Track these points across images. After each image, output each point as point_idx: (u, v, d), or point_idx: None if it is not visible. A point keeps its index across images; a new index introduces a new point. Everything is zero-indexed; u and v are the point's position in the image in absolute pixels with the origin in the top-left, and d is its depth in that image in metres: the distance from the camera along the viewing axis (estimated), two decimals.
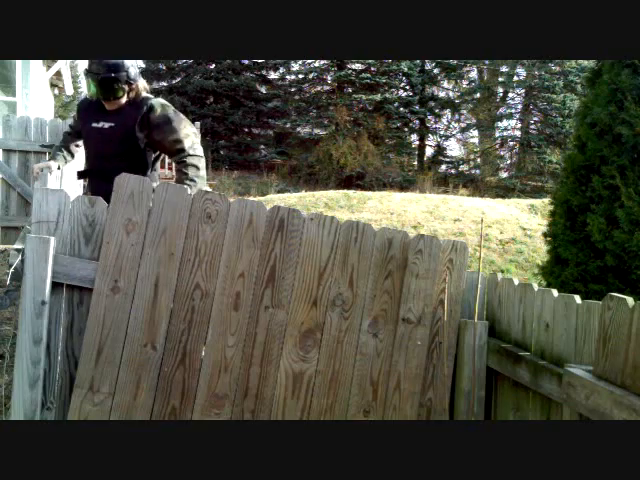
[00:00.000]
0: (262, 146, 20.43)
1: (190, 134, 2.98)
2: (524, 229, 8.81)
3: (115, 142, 2.96)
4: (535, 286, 2.21)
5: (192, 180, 2.92)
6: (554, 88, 16.60)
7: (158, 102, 2.97)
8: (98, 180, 3.04)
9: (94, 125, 3.01)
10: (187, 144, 2.95)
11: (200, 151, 3.02)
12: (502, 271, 7.42)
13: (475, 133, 21.41)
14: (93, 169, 3.12)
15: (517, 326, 2.28)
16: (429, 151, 21.06)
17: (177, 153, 2.97)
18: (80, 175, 3.30)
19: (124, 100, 2.96)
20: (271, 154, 19.41)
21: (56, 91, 12.21)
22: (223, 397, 2.29)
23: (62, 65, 10.04)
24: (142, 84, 3.01)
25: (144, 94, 3.01)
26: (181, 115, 3.02)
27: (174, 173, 10.12)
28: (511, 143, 19.29)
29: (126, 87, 2.92)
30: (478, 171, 19.10)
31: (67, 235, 2.27)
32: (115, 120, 2.96)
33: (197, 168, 2.96)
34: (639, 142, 3.39)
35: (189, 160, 2.95)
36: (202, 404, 2.28)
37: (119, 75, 2.87)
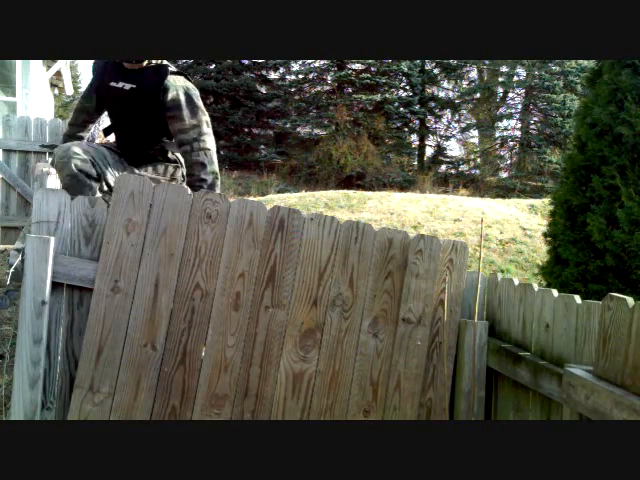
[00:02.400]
0: (262, 146, 20.41)
1: (199, 124, 2.89)
2: (524, 229, 8.80)
3: (136, 104, 2.88)
4: (535, 286, 2.21)
5: (201, 180, 2.87)
6: (554, 88, 16.59)
7: (173, 85, 2.88)
8: (124, 140, 2.97)
9: (112, 84, 2.91)
10: (192, 135, 2.86)
11: (208, 143, 2.92)
12: (502, 271, 7.41)
13: (475, 133, 21.40)
14: (117, 128, 3.04)
15: (517, 326, 2.28)
16: (429, 151, 21.06)
17: (180, 145, 2.92)
18: (107, 132, 3.20)
19: (146, 62, 2.87)
20: (271, 154, 19.40)
21: (56, 91, 12.21)
22: (223, 397, 2.29)
23: (62, 65, 10.04)
24: None
25: (167, 64, 2.93)
26: (195, 101, 2.92)
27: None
28: (511, 143, 19.28)
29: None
30: (478, 171, 19.09)
31: (67, 235, 2.27)
32: (136, 82, 2.87)
33: (203, 165, 2.87)
34: (639, 142, 3.39)
35: (194, 157, 2.88)
36: (202, 404, 2.28)
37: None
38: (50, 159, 3.42)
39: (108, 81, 2.92)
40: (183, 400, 2.28)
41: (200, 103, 2.94)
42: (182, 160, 3.12)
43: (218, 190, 2.89)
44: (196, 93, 2.94)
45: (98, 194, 2.77)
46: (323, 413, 2.35)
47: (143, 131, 2.94)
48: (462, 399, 2.36)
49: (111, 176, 2.75)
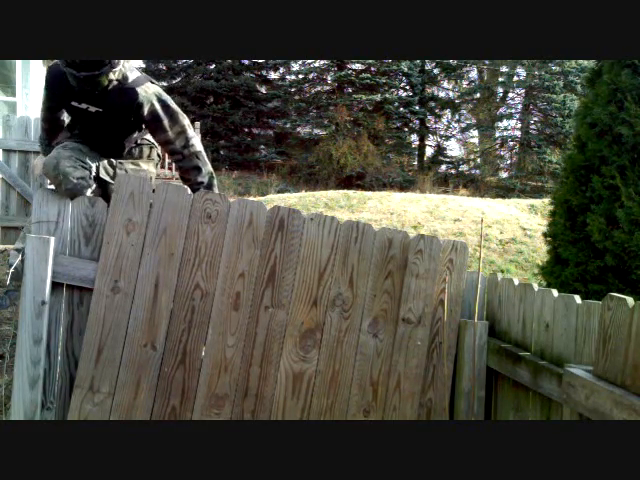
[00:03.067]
0: (262, 146, 20.41)
1: (183, 129, 2.85)
2: (524, 229, 8.80)
3: (104, 124, 2.77)
4: (535, 286, 2.21)
5: (199, 184, 2.85)
6: (554, 88, 16.59)
7: (146, 98, 2.76)
8: (91, 141, 2.86)
9: (74, 104, 2.73)
10: (180, 143, 2.83)
11: (197, 146, 2.89)
12: (502, 271, 7.41)
13: (475, 133, 21.39)
14: (83, 133, 2.90)
15: (517, 326, 2.28)
16: (429, 151, 21.06)
17: (171, 154, 2.89)
18: (69, 128, 3.02)
19: (106, 84, 2.67)
20: (271, 154, 19.40)
21: None
22: (223, 397, 2.29)
23: None
24: (123, 62, 2.72)
25: (130, 77, 2.74)
26: (171, 107, 2.83)
27: (174, 173, 9.92)
28: (511, 143, 19.28)
29: (111, 74, 2.62)
30: (478, 171, 19.10)
31: (67, 235, 2.27)
32: (101, 104, 2.72)
33: (198, 169, 2.87)
34: (639, 142, 3.39)
35: (187, 164, 2.87)
36: (202, 404, 2.28)
37: (102, 70, 2.56)
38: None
39: (69, 99, 2.75)
40: (183, 400, 2.28)
41: (175, 106, 2.85)
42: (153, 140, 3.05)
43: (216, 189, 2.88)
44: (167, 96, 2.87)
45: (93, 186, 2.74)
46: (323, 413, 2.35)
47: (113, 139, 2.90)
48: (462, 399, 2.36)
49: (94, 168, 2.72)
